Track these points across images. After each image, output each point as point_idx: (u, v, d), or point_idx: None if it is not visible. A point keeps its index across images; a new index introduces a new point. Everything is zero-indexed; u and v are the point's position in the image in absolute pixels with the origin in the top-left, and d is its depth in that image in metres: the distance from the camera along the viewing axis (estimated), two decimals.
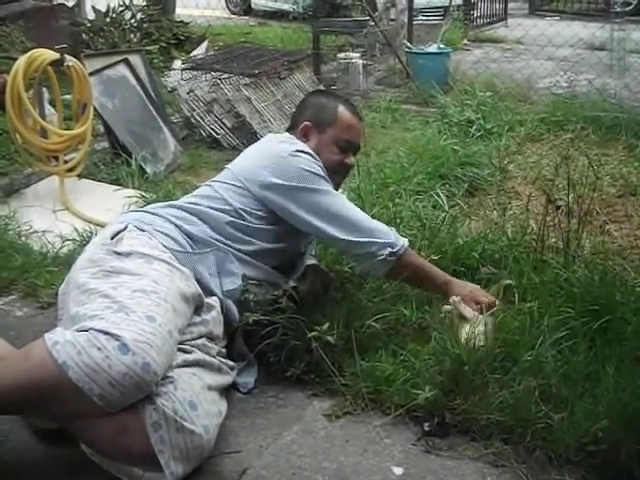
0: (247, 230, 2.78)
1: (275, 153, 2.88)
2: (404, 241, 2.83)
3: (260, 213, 2.81)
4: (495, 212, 4.13)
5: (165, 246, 2.58)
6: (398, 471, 2.29)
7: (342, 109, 3.04)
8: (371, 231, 2.79)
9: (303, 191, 2.79)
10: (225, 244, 2.73)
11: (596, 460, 2.24)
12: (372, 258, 2.78)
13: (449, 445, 2.39)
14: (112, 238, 2.57)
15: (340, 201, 2.85)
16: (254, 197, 2.81)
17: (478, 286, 2.91)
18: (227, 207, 2.79)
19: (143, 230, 2.62)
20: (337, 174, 3.03)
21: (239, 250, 2.75)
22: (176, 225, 2.70)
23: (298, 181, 2.79)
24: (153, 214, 2.76)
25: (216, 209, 2.78)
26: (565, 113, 6.22)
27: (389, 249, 2.77)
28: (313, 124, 3.02)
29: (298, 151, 2.86)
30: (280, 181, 2.79)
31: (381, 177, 4.44)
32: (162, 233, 2.63)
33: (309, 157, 2.86)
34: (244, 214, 2.79)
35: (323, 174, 2.86)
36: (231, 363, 2.61)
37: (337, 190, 3.16)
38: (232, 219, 2.77)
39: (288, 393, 2.67)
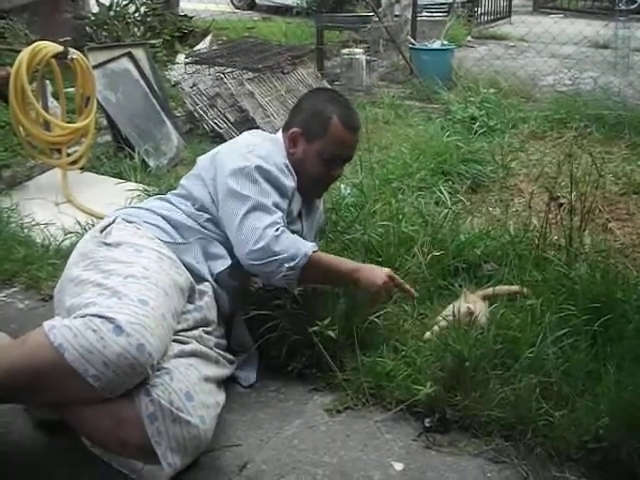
0: (220, 223, 2.76)
1: (233, 150, 2.84)
2: (305, 250, 2.63)
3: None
4: (497, 209, 4.14)
5: (153, 236, 2.61)
6: (398, 466, 2.29)
7: (335, 121, 2.89)
8: (270, 249, 2.60)
9: (228, 189, 2.70)
10: (208, 232, 2.74)
11: (597, 458, 2.24)
12: (273, 276, 2.64)
13: (450, 441, 2.40)
14: (101, 232, 2.62)
15: (255, 217, 2.64)
16: (211, 190, 2.79)
17: (386, 269, 2.79)
18: (199, 206, 2.79)
19: (131, 222, 2.66)
20: (320, 183, 3.00)
21: (221, 234, 2.74)
22: (162, 216, 2.73)
23: (234, 180, 2.70)
24: (140, 208, 2.81)
25: (193, 208, 2.79)
26: (568, 111, 6.21)
27: (286, 265, 2.60)
28: (302, 132, 2.91)
29: (254, 154, 2.76)
30: (220, 175, 2.75)
31: (384, 173, 4.43)
32: (149, 224, 2.67)
33: (262, 162, 2.74)
34: (214, 208, 2.76)
35: (265, 184, 2.71)
36: (230, 357, 2.63)
37: (319, 197, 3.14)
38: (208, 216, 2.77)
39: (289, 387, 2.68)
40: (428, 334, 2.74)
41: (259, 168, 2.72)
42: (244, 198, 2.66)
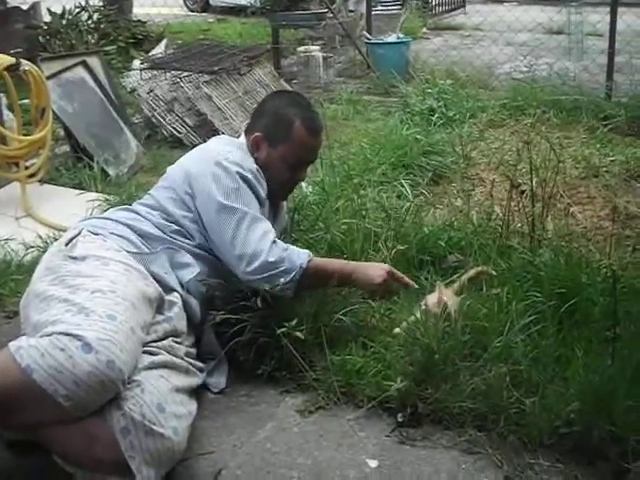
0: (192, 235, 2.77)
1: (207, 160, 2.82)
2: (301, 262, 2.68)
3: (193, 216, 2.77)
4: (460, 199, 4.14)
5: (120, 247, 2.58)
6: (373, 464, 2.29)
7: (298, 125, 2.90)
8: (266, 265, 2.64)
9: (215, 203, 2.71)
10: (176, 241, 2.73)
11: (569, 442, 2.26)
12: (271, 288, 2.65)
13: (423, 435, 2.40)
14: (67, 244, 2.58)
15: (247, 230, 2.68)
16: (184, 203, 2.79)
17: (384, 265, 2.86)
18: (169, 217, 2.78)
19: (97, 234, 2.63)
20: (284, 187, 3.03)
21: (190, 245, 2.75)
22: (128, 226, 2.70)
23: (218, 192, 2.71)
24: (106, 219, 2.78)
25: (161, 218, 2.78)
26: (526, 98, 6.24)
27: (282, 279, 2.64)
28: (265, 136, 2.92)
29: (230, 162, 2.77)
30: (200, 188, 2.75)
31: (345, 169, 4.42)
32: (116, 235, 2.64)
33: (240, 169, 2.75)
34: (185, 221, 2.76)
35: (248, 191, 2.74)
36: (200, 364, 2.60)
37: (284, 200, 3.17)
38: (177, 228, 2.76)
39: (260, 391, 2.67)
40: (397, 329, 2.74)
41: (239, 174, 2.74)
42: (231, 210, 2.69)
